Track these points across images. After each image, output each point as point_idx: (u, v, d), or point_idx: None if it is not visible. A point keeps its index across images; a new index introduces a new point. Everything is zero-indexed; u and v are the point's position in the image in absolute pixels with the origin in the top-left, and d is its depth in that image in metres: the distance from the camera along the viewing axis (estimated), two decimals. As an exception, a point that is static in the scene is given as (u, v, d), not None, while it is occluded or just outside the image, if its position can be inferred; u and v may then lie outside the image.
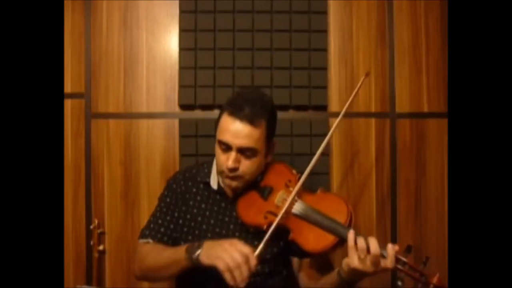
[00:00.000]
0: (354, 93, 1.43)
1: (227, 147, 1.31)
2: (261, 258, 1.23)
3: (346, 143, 1.92)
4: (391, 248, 1.16)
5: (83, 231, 1.89)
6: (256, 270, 1.37)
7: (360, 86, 1.46)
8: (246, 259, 1.15)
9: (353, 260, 1.15)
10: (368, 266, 1.15)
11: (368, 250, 1.14)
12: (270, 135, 1.36)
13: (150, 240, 1.44)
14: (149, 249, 1.42)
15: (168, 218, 1.46)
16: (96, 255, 1.85)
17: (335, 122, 1.40)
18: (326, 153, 1.88)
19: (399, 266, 1.15)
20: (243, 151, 1.31)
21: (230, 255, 1.15)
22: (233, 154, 1.30)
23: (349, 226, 1.23)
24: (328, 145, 1.89)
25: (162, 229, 1.45)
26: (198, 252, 1.21)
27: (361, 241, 1.15)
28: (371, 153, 1.92)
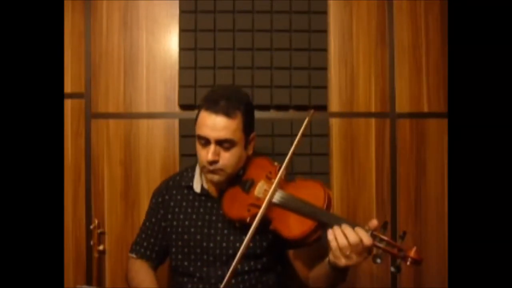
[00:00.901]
0: (303, 127, 1.33)
1: (206, 141, 1.34)
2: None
3: (346, 143, 1.92)
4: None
5: (83, 231, 1.89)
6: (249, 267, 1.38)
7: (307, 122, 1.35)
8: None
9: (341, 260, 1.16)
10: (354, 259, 1.15)
11: (349, 243, 1.14)
12: (247, 127, 1.38)
13: (134, 256, 1.51)
14: (135, 270, 1.48)
15: (149, 232, 1.51)
16: (96, 255, 1.85)
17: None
18: (326, 153, 1.88)
19: (377, 243, 1.15)
20: (221, 143, 1.33)
21: None
22: (212, 147, 1.33)
23: (327, 209, 1.24)
24: (328, 145, 1.89)
25: (144, 244, 1.50)
26: None
27: (341, 239, 1.15)
28: (371, 153, 1.92)
